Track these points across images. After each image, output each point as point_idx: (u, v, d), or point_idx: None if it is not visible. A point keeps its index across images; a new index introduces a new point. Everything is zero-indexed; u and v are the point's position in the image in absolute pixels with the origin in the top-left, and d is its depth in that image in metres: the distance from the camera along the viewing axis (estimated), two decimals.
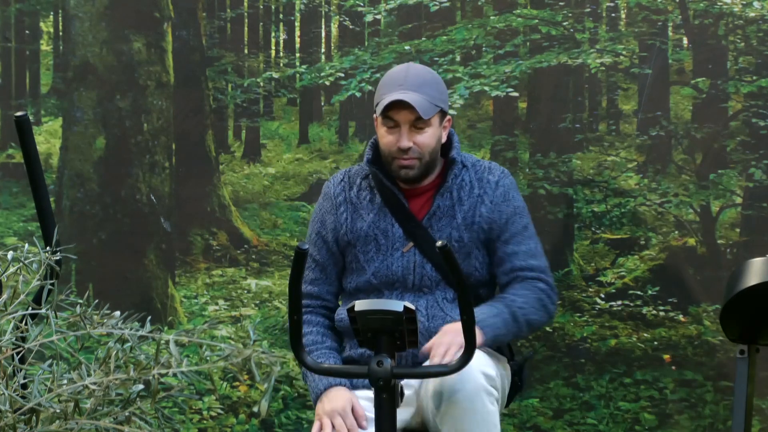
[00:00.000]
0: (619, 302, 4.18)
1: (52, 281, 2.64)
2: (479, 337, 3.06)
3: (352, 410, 3.14)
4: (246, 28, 4.55)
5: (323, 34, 4.49)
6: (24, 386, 2.55)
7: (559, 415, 4.21)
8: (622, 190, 4.19)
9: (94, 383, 2.50)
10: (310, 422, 3.87)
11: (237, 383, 4.42)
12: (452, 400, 2.98)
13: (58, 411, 2.46)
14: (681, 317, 4.14)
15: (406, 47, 4.34)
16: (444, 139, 3.31)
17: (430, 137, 3.22)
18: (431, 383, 3.04)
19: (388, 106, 3.17)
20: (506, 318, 3.20)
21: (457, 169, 3.31)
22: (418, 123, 3.20)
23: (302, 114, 4.54)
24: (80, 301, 2.62)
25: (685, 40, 4.18)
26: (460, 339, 2.88)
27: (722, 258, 4.11)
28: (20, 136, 2.86)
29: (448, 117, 3.31)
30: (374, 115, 3.29)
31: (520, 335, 3.32)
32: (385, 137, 3.23)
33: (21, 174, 4.58)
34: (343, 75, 4.41)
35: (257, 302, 4.48)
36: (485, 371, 3.00)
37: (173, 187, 4.55)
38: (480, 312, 3.16)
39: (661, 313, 4.15)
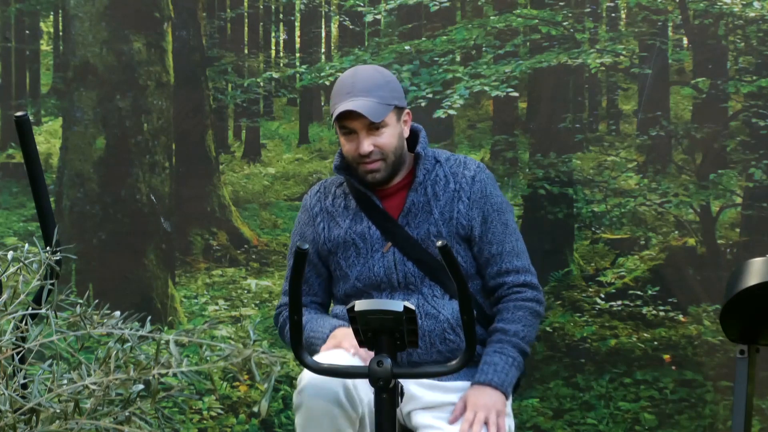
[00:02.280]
0: (619, 302, 4.18)
1: (52, 281, 2.64)
2: (502, 399, 3.13)
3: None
4: (246, 28, 4.55)
5: (323, 34, 4.49)
6: (24, 386, 2.55)
7: (559, 415, 4.21)
8: (622, 190, 4.19)
9: (94, 383, 2.50)
10: None
11: (237, 383, 4.42)
12: None
13: (58, 411, 2.46)
14: (681, 317, 4.14)
15: (406, 47, 4.34)
16: (406, 134, 3.29)
17: (389, 137, 3.21)
18: None
19: (339, 117, 3.17)
20: (519, 362, 3.23)
21: (429, 164, 3.30)
22: (374, 125, 3.19)
23: (302, 114, 4.54)
24: (80, 301, 2.62)
25: (685, 40, 4.18)
26: (493, 409, 3.06)
27: (722, 258, 4.11)
28: (20, 136, 2.86)
29: (407, 111, 3.29)
30: (333, 122, 3.28)
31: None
32: (345, 145, 3.23)
33: (21, 174, 4.58)
34: None
35: (257, 302, 4.48)
36: None
37: (173, 187, 4.55)
38: (495, 370, 3.17)
39: (661, 313, 4.15)
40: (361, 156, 3.20)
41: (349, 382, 3.03)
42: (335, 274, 3.35)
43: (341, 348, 3.10)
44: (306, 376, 3.05)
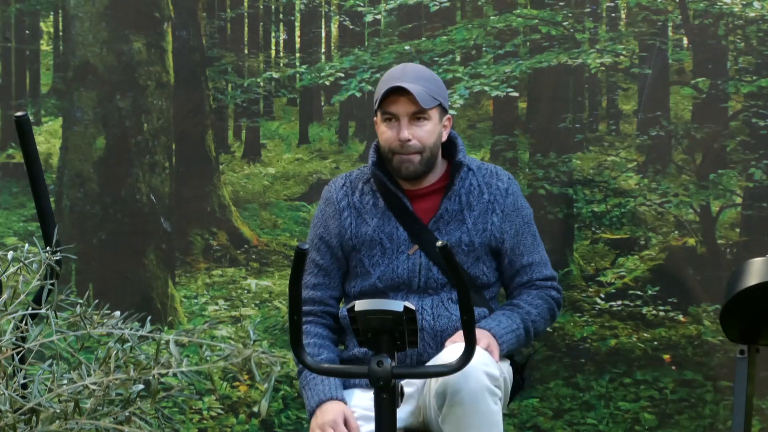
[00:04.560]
0: (619, 302, 4.18)
1: (52, 281, 2.64)
2: (496, 351, 3.12)
3: (346, 423, 3.15)
4: (246, 28, 4.54)
5: (323, 34, 4.49)
6: (24, 386, 2.55)
7: (559, 415, 4.21)
8: (622, 190, 4.19)
9: (94, 383, 2.50)
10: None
11: (237, 383, 4.42)
12: (455, 399, 2.98)
13: (58, 411, 2.46)
14: (681, 317, 4.14)
15: (406, 47, 4.34)
16: (444, 138, 3.31)
17: (429, 132, 3.22)
18: (434, 382, 3.05)
19: (387, 95, 3.18)
20: (521, 334, 3.25)
21: (463, 172, 3.31)
22: (417, 115, 3.20)
23: (302, 114, 4.54)
24: (80, 301, 2.62)
25: (685, 40, 4.18)
26: (487, 339, 3.09)
27: (722, 258, 4.11)
28: (20, 136, 2.86)
29: (448, 116, 3.31)
30: (374, 118, 3.29)
31: (525, 346, 3.37)
32: (385, 133, 3.24)
33: (21, 174, 4.58)
34: (343, 75, 4.41)
35: (257, 302, 4.48)
36: (488, 371, 3.01)
37: (173, 187, 4.55)
38: (499, 324, 3.20)
39: (661, 313, 4.15)
40: (400, 143, 3.20)
41: None
42: (354, 270, 3.35)
43: None
44: None
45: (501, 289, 3.50)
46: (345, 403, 3.19)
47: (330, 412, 3.16)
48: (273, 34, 4.54)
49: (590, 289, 4.21)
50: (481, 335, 3.15)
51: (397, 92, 3.17)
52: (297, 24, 4.52)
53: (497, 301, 3.42)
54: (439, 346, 3.24)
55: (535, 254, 3.37)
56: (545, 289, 3.37)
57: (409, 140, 3.19)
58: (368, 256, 3.30)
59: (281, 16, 4.53)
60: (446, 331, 3.24)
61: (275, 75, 4.51)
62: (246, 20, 4.54)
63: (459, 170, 3.29)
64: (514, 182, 3.37)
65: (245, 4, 4.52)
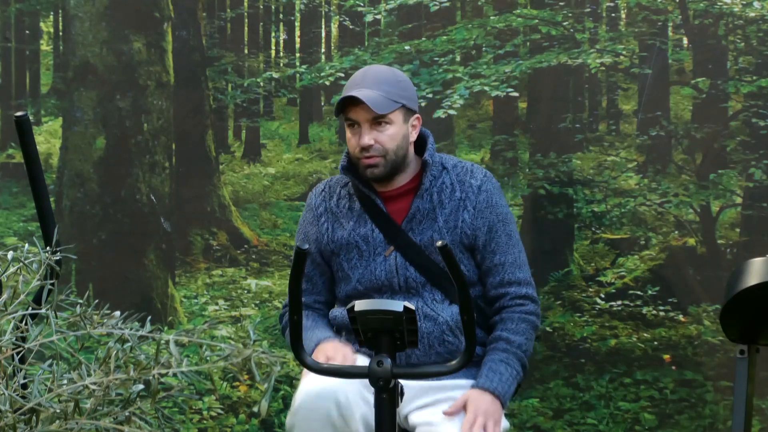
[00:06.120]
0: (619, 302, 4.18)
1: (52, 281, 2.64)
2: (501, 409, 3.15)
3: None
4: (246, 28, 4.55)
5: (323, 34, 4.49)
6: (24, 386, 2.55)
7: (559, 415, 4.21)
8: (622, 190, 4.19)
9: (94, 383, 2.50)
10: None
11: (237, 383, 4.42)
12: None
13: (58, 411, 2.46)
14: (681, 317, 4.14)
15: (406, 47, 4.34)
16: (413, 138, 3.29)
17: (391, 135, 3.20)
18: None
19: (344, 105, 3.17)
20: (520, 376, 3.25)
21: (436, 170, 3.29)
22: (378, 120, 3.18)
23: (302, 114, 4.54)
24: (80, 301, 2.63)
25: (685, 40, 4.18)
26: (492, 417, 3.09)
27: (722, 258, 4.11)
28: (20, 136, 2.86)
29: (417, 116, 3.29)
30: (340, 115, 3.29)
31: None
32: (350, 140, 3.24)
33: (21, 174, 4.58)
34: (343, 75, 4.41)
35: (257, 302, 4.48)
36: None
37: (173, 187, 4.55)
38: (501, 378, 3.18)
39: (661, 313, 4.15)
40: (361, 149, 3.20)
41: (342, 400, 3.04)
42: (337, 275, 3.35)
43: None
44: (299, 399, 3.07)
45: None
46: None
47: (329, 343, 3.18)
48: (273, 34, 4.54)
49: (590, 289, 4.21)
50: (482, 401, 3.14)
51: (355, 99, 3.17)
52: (297, 24, 4.52)
53: (483, 301, 3.38)
54: (428, 349, 3.23)
55: (508, 254, 3.29)
56: (520, 305, 3.30)
57: (370, 145, 3.19)
58: (347, 259, 3.30)
59: (281, 16, 4.54)
60: (433, 334, 3.23)
61: (275, 75, 4.51)
62: (246, 20, 4.54)
63: (427, 168, 3.28)
64: (490, 181, 3.33)
65: (245, 4, 4.53)
